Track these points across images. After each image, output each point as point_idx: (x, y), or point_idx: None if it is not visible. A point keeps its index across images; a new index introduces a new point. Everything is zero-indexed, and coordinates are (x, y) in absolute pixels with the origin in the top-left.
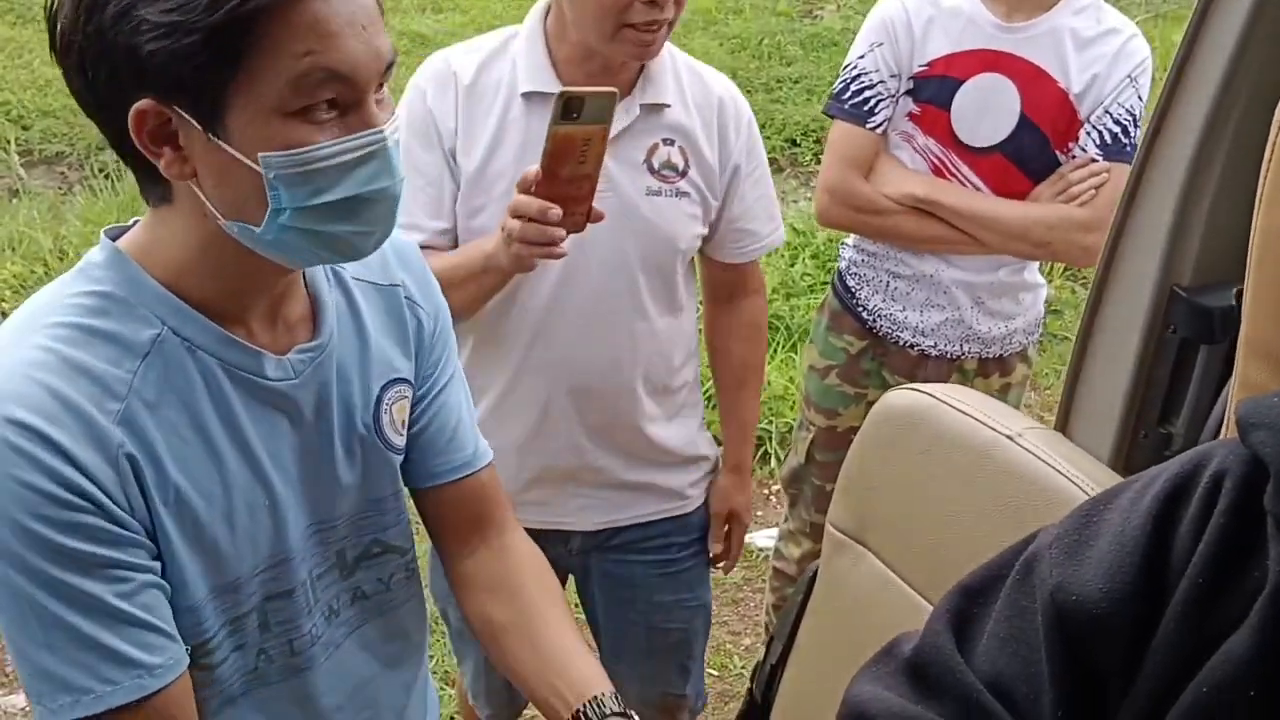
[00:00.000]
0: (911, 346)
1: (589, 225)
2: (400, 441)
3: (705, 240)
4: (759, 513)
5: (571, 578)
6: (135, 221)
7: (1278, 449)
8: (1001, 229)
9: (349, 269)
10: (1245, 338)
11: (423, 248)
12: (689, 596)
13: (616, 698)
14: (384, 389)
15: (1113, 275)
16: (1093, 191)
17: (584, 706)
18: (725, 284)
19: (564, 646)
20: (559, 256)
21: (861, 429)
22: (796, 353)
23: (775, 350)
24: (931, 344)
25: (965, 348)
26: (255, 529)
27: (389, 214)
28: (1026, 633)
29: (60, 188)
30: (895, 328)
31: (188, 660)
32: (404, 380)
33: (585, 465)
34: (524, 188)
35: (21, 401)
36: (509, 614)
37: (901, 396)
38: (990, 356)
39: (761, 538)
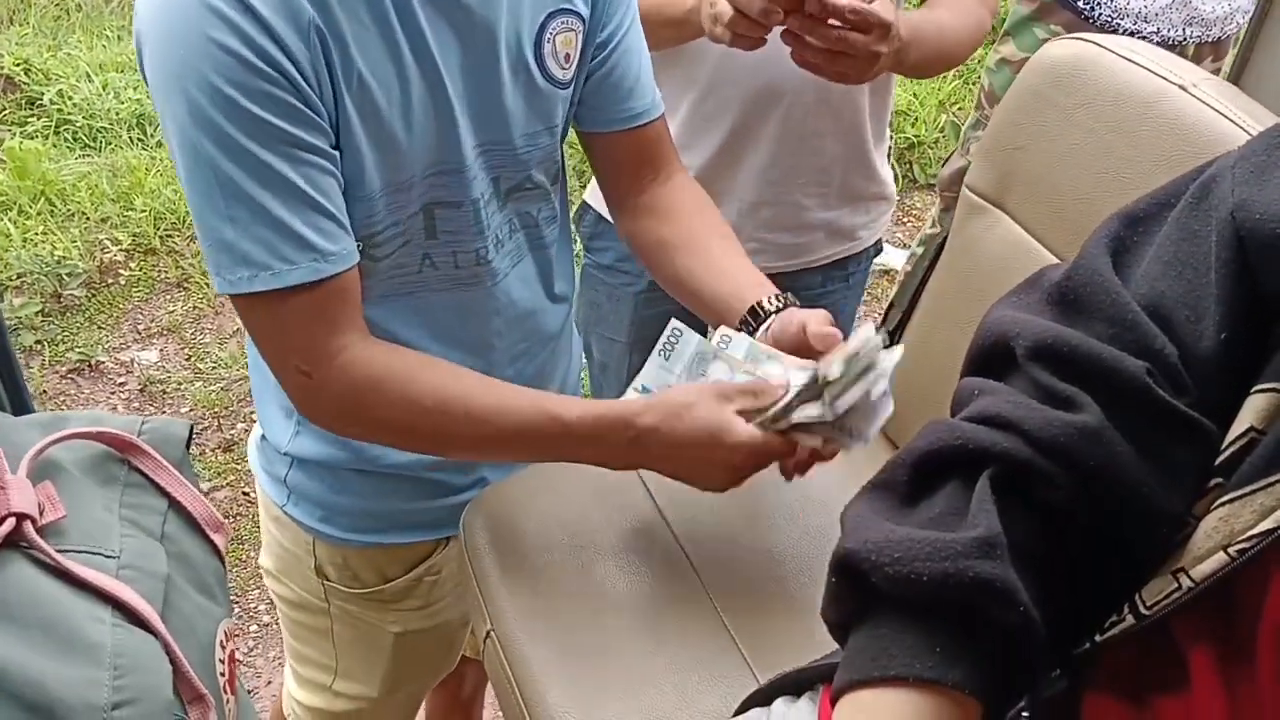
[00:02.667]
0: (1132, 34)
1: None
2: (563, 75)
3: None
4: (896, 234)
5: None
6: None
7: None
8: None
9: None
10: None
11: None
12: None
13: (786, 295)
14: (549, 17)
15: None
16: None
17: (763, 301)
18: None
19: (734, 261)
20: (760, 46)
21: (1015, 83)
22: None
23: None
24: (1154, 29)
25: (1187, 31)
26: (429, 132)
27: None
28: (1195, 256)
29: None
30: (1116, 15)
31: (358, 256)
32: (572, 12)
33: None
34: None
35: None
36: (679, 233)
37: (1063, 46)
38: (1208, 40)
39: (897, 257)
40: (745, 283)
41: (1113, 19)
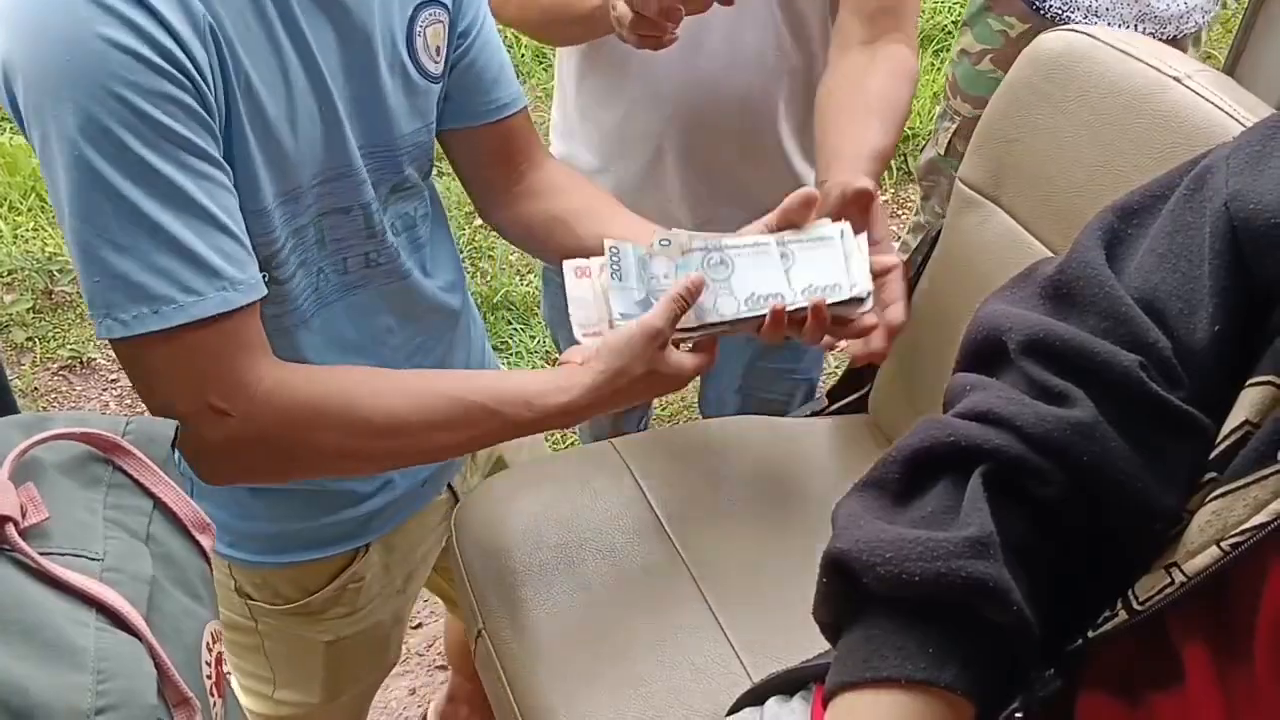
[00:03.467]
0: None
1: None
2: (435, 69)
3: None
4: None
5: None
6: None
7: None
8: None
9: None
10: None
11: None
12: (793, 369)
13: None
14: (417, 9)
15: None
16: None
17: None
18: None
19: (634, 219)
20: (668, 44)
21: (1008, 75)
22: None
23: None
24: (1105, 24)
25: (1139, 27)
26: (315, 137)
27: None
28: (1189, 248)
29: None
30: (1066, 7)
31: (264, 287)
32: (438, 2)
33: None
34: None
35: None
36: (574, 204)
37: (1057, 38)
38: (1162, 38)
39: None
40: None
41: (1063, 11)
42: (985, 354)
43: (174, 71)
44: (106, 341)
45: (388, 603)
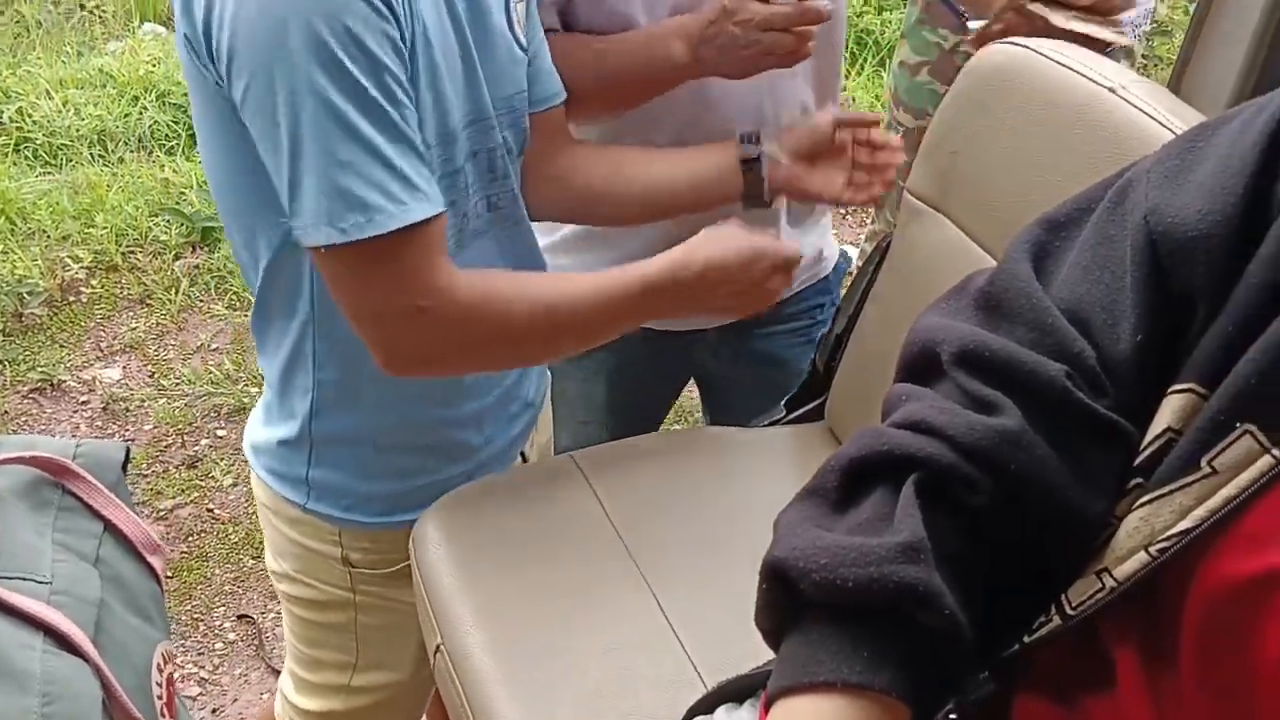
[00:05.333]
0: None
1: None
2: (524, 43)
3: None
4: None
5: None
6: None
7: None
8: None
9: None
10: None
11: None
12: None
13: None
14: None
15: None
16: None
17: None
18: None
19: (674, 154)
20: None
21: (952, 87)
22: (885, 68)
23: (863, 66)
24: None
25: None
26: (459, 84)
27: None
28: (1112, 260)
29: None
30: None
31: (444, 201)
32: None
33: None
34: None
35: None
36: (610, 160)
37: (997, 51)
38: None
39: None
40: (704, 153)
41: None
42: (920, 366)
43: (387, 11)
44: (79, 363)
45: None
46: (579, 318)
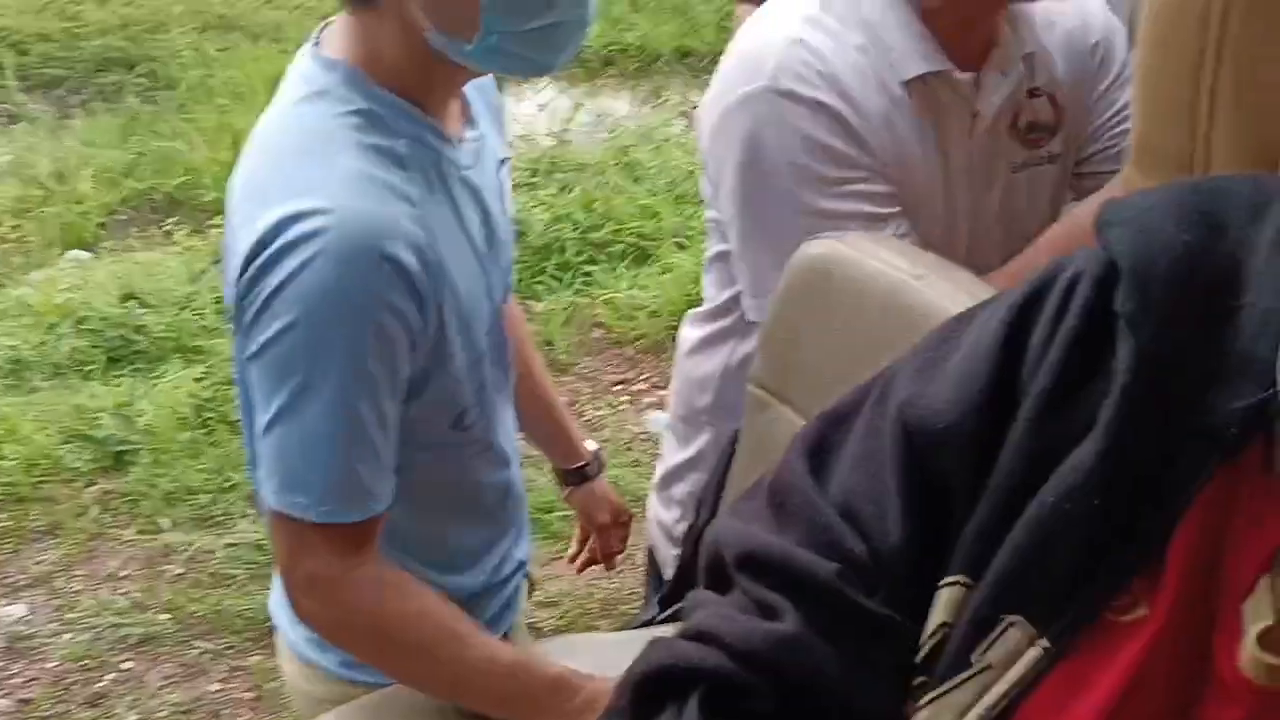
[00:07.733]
0: None
1: None
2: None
3: None
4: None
5: None
6: (325, 26)
7: (1129, 245)
8: None
9: None
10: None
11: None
12: None
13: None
14: (498, 166)
15: None
16: None
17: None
18: None
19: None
20: None
21: (782, 280)
22: None
23: None
24: None
25: None
26: (481, 309)
27: (579, 39)
28: (876, 452)
29: (59, 112)
30: None
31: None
32: (506, 160)
33: None
34: None
35: (397, 236)
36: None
37: (816, 244)
38: None
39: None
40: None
41: None
42: (714, 571)
43: (405, 338)
44: None
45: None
46: (461, 662)
